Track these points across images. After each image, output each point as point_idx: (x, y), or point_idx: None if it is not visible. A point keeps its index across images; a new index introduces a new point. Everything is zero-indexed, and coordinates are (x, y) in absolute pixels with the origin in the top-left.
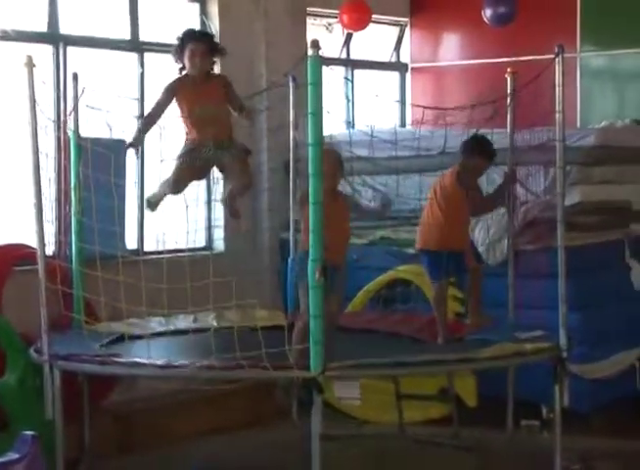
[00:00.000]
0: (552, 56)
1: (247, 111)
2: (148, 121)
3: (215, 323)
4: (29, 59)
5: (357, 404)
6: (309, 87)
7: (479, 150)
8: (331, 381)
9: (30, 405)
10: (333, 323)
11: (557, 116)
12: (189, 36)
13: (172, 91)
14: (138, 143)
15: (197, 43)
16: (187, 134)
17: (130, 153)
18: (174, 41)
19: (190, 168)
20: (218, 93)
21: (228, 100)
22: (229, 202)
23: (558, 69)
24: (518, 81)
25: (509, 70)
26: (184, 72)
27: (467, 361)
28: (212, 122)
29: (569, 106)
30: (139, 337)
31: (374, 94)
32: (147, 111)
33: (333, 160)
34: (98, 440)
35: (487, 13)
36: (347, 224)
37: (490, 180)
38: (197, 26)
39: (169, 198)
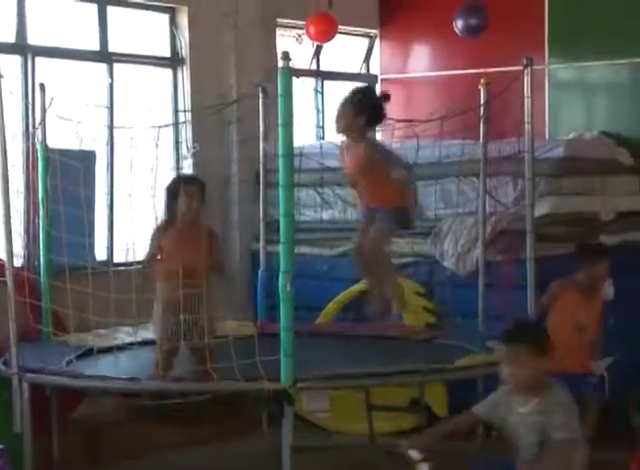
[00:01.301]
0: (521, 67)
1: (220, 269)
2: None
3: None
4: None
5: (328, 415)
6: (280, 98)
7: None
8: (300, 392)
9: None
10: (368, 250)
11: (526, 127)
12: (185, 179)
13: (160, 235)
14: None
15: (193, 186)
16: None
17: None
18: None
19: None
20: (201, 242)
21: (209, 252)
22: None
23: (527, 80)
24: (488, 92)
25: (482, 80)
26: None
27: (439, 372)
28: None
29: (537, 117)
30: (108, 349)
31: None
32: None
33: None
34: (67, 453)
35: (459, 24)
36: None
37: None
38: (167, 37)
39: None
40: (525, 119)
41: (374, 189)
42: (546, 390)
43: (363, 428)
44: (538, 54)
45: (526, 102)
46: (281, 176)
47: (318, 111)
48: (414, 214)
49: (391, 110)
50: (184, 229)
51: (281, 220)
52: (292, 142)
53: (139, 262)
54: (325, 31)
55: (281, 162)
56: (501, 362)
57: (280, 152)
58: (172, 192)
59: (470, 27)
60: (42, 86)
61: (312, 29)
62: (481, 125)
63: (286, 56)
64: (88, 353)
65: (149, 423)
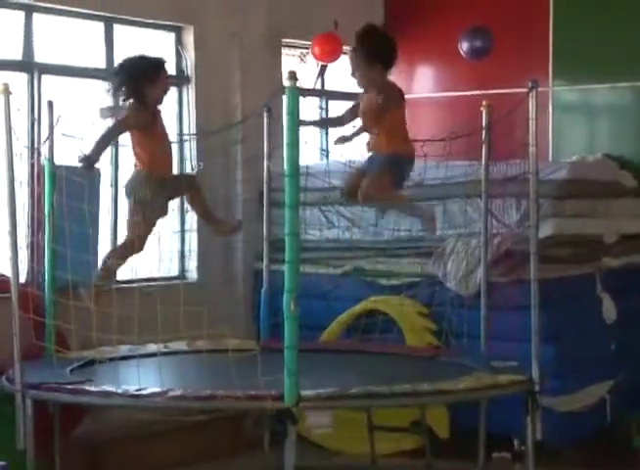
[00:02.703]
0: (525, 89)
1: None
2: (102, 147)
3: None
4: (6, 86)
5: (329, 434)
6: (286, 118)
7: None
8: (304, 411)
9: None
10: (362, 198)
11: (530, 149)
12: (164, 65)
13: (128, 125)
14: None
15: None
16: (146, 168)
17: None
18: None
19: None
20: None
21: None
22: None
23: (532, 103)
24: (492, 114)
25: (484, 102)
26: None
27: (442, 393)
28: (169, 158)
29: (541, 139)
30: (110, 359)
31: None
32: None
33: None
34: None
35: (464, 46)
36: None
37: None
38: (172, 56)
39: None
40: (530, 142)
41: (381, 137)
42: None
43: (364, 449)
44: (542, 76)
45: (531, 124)
46: (287, 196)
47: (323, 130)
48: (410, 172)
49: None
50: (158, 119)
51: (286, 239)
52: (298, 161)
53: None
54: (330, 51)
55: (287, 181)
56: None
57: (286, 171)
58: (149, 73)
59: (475, 50)
60: (50, 104)
61: (317, 49)
62: (483, 148)
63: (293, 76)
64: (89, 365)
65: (150, 441)
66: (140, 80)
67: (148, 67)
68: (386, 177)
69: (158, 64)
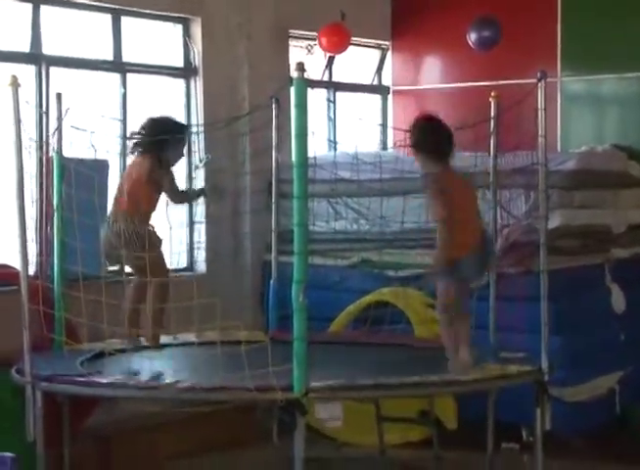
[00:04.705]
0: (533, 80)
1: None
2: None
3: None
4: (14, 79)
5: (338, 426)
6: (294, 109)
7: None
8: (313, 402)
9: (10, 427)
10: None
11: (540, 140)
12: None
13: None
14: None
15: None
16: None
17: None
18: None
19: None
20: None
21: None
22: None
23: (540, 94)
24: (500, 105)
25: (493, 93)
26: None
27: (450, 384)
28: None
29: (549, 130)
30: (121, 350)
31: (356, 117)
32: None
33: None
34: (79, 462)
35: (472, 37)
36: None
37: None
38: (179, 48)
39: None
40: (539, 132)
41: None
42: None
43: (372, 439)
44: (551, 67)
45: (540, 115)
46: (296, 187)
47: (330, 120)
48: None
49: (403, 121)
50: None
51: (295, 231)
52: (306, 153)
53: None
54: (337, 43)
55: (295, 172)
56: None
57: (295, 162)
58: (176, 135)
59: (483, 40)
60: (59, 96)
61: (324, 41)
62: (491, 139)
63: (301, 67)
64: (100, 357)
65: (160, 432)
66: (166, 140)
67: (176, 130)
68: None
69: (184, 129)
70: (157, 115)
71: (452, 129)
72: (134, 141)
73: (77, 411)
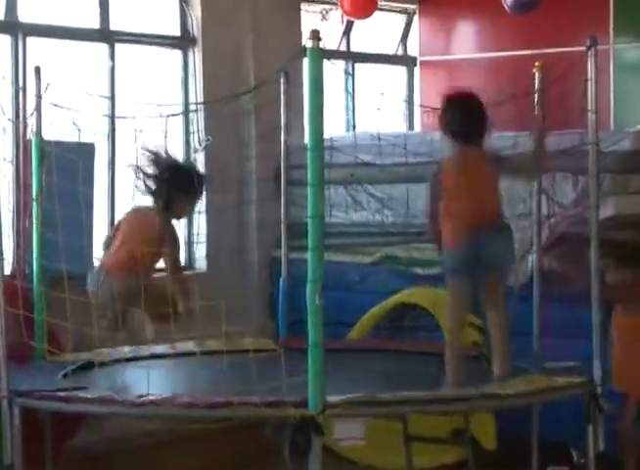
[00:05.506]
0: (581, 48)
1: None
2: None
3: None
4: None
5: (360, 446)
6: (308, 84)
7: None
8: (331, 420)
9: None
10: None
11: (590, 116)
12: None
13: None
14: None
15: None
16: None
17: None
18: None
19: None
20: None
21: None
22: None
23: (590, 63)
24: (545, 77)
25: (537, 63)
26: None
27: (489, 398)
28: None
29: (601, 105)
30: (115, 361)
31: (378, 92)
32: None
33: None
34: None
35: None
36: None
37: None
38: (176, 14)
39: None
40: (589, 107)
41: None
42: None
43: (399, 462)
44: (602, 32)
45: (590, 87)
46: (310, 172)
47: (349, 95)
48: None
49: (431, 97)
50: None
51: (309, 223)
52: (322, 134)
53: None
54: (364, 5)
55: (310, 156)
56: None
57: (309, 145)
58: (191, 186)
59: (521, 3)
60: (37, 70)
61: (347, 3)
62: (538, 114)
63: (315, 35)
64: (87, 368)
65: (157, 451)
66: (179, 189)
67: (192, 179)
68: None
69: (201, 180)
70: (181, 161)
71: (487, 107)
72: (151, 182)
73: (61, 429)
